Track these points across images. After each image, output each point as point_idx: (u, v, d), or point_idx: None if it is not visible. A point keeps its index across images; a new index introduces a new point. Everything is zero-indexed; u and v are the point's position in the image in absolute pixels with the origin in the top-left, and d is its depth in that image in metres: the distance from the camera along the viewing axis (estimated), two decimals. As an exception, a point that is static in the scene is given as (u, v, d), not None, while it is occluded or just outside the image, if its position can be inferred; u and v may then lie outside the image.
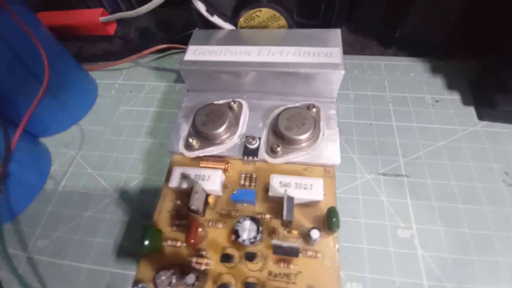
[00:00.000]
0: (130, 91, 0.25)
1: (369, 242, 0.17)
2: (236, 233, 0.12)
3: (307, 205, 0.14)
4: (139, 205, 0.19)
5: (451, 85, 0.23)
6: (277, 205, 0.15)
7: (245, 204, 0.15)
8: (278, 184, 0.14)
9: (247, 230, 0.12)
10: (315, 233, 0.12)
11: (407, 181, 0.19)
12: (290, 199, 0.13)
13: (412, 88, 0.23)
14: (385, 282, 0.15)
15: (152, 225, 0.15)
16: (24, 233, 0.19)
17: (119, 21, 0.29)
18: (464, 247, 0.16)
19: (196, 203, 0.13)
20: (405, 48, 0.26)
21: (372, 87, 0.23)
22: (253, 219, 0.12)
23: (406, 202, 0.18)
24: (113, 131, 0.23)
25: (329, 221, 0.13)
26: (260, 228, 0.12)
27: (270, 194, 0.14)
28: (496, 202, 0.17)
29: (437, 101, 0.22)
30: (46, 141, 0.23)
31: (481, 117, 0.21)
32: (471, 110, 0.21)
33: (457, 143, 0.20)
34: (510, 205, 0.17)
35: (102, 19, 0.25)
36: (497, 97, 0.20)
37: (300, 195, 0.14)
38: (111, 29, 0.28)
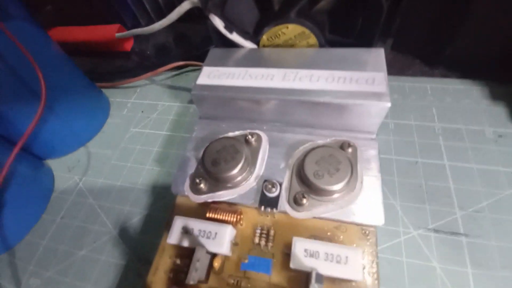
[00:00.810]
0: (142, 111, 0.24)
1: (418, 325, 0.13)
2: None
3: (340, 279, 0.11)
4: (138, 247, 0.17)
5: (517, 116, 0.19)
6: (299, 275, 0.11)
7: (257, 272, 0.12)
8: (303, 253, 0.11)
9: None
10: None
11: (467, 242, 0.15)
12: (319, 278, 0.10)
13: (468, 118, 0.19)
14: None
15: (145, 287, 0.12)
16: (18, 267, 0.18)
17: (136, 37, 0.28)
18: None
19: (195, 276, 0.10)
20: (456, 69, 0.22)
21: (417, 115, 0.20)
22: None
23: (466, 271, 0.14)
24: (120, 155, 0.21)
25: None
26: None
27: (291, 266, 0.11)
28: None
29: (500, 136, 0.18)
30: (51, 163, 0.22)
31: None
32: (548, 150, 0.17)
33: (532, 193, 0.16)
34: None
35: (118, 35, 0.24)
36: None
37: (331, 272, 0.10)
38: (128, 45, 0.27)
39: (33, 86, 0.17)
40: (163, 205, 0.18)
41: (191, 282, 0.10)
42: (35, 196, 0.19)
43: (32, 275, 0.17)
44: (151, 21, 0.27)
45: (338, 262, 0.10)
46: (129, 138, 0.22)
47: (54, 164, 0.22)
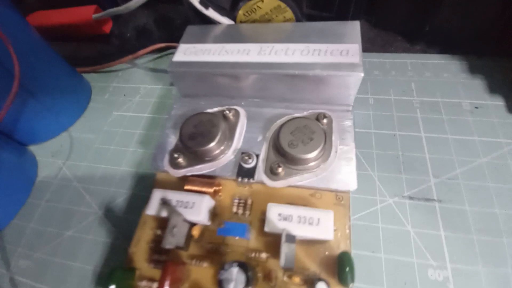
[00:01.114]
0: (124, 95, 0.23)
1: (392, 284, 0.13)
2: (219, 284, 0.10)
3: (314, 241, 0.12)
4: (123, 225, 0.17)
5: (493, 89, 0.19)
6: (276, 239, 0.12)
7: (237, 238, 0.12)
8: (277, 217, 0.11)
9: (233, 281, 0.10)
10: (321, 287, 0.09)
11: (440, 208, 0.15)
12: (291, 238, 0.10)
13: (446, 91, 0.19)
14: None
15: (127, 257, 0.12)
16: (7, 249, 0.18)
17: (115, 20, 0.27)
18: (512, 296, 0.13)
19: (173, 240, 0.10)
20: (436, 44, 0.22)
21: (396, 90, 0.20)
22: (242, 266, 0.10)
23: (439, 234, 0.15)
24: (103, 139, 0.21)
25: (340, 271, 0.10)
26: (250, 278, 0.10)
27: (266, 229, 0.11)
28: (556, 238, 0.14)
29: (476, 108, 0.18)
30: (34, 149, 0.22)
31: (534, 128, 0.17)
32: (520, 120, 0.17)
33: (502, 160, 0.16)
34: None
35: (95, 16, 0.23)
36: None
37: (303, 233, 0.11)
38: (107, 28, 0.26)
39: (10, 69, 0.16)
40: (147, 185, 0.18)
41: (167, 246, 0.10)
42: (19, 181, 0.19)
43: (21, 257, 0.17)
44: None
45: (310, 224, 0.11)
46: (111, 122, 0.22)
47: (36, 150, 0.22)
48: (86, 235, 0.17)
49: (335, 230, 0.11)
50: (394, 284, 0.13)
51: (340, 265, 0.10)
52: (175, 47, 0.25)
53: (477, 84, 0.19)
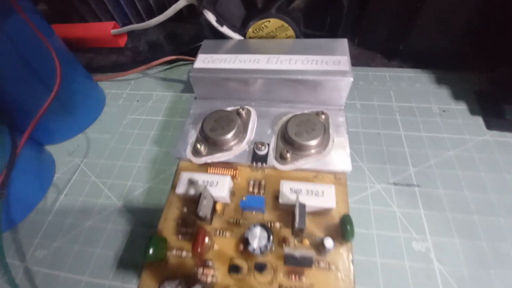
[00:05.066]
0: (138, 101, 0.26)
1: (383, 255, 0.16)
2: (245, 241, 0.12)
3: (319, 213, 0.14)
4: (142, 215, 0.18)
5: (457, 96, 0.23)
6: (287, 213, 0.14)
7: (253, 213, 0.14)
8: (289, 191, 0.13)
9: (258, 237, 0.12)
10: (329, 242, 0.12)
11: (419, 191, 0.18)
12: (302, 206, 0.12)
13: (419, 98, 0.23)
14: (402, 299, 0.15)
15: (156, 233, 0.14)
16: (23, 242, 0.18)
17: (129, 34, 0.29)
18: (482, 261, 0.15)
19: (204, 209, 0.12)
20: (409, 61, 0.26)
21: (378, 97, 0.24)
22: (264, 226, 0.12)
23: (419, 213, 0.17)
24: (119, 139, 0.23)
25: (343, 229, 0.12)
26: (271, 236, 0.12)
27: (280, 201, 0.13)
28: (513, 214, 0.17)
29: (444, 111, 0.22)
30: (51, 149, 0.23)
31: (489, 126, 0.21)
32: (479, 120, 0.21)
33: (467, 152, 0.20)
34: (529, 217, 0.17)
35: (113, 31, 0.26)
36: (505, 107, 0.20)
37: (311, 203, 0.13)
38: (122, 42, 0.29)
39: (41, 73, 0.18)
40: (164, 178, 0.20)
41: (200, 214, 0.12)
42: (36, 177, 0.20)
43: (38, 248, 0.18)
44: (141, 20, 0.29)
45: (316, 195, 0.13)
46: (126, 124, 0.24)
47: (52, 149, 0.23)
48: (106, 224, 0.18)
49: (336, 203, 0.14)
50: (385, 254, 0.16)
51: (343, 225, 0.12)
52: (184, 60, 0.28)
53: (444, 92, 0.23)
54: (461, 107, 0.22)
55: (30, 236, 0.19)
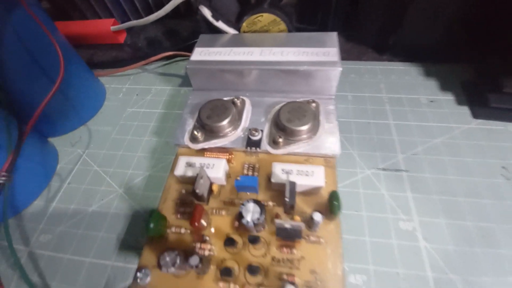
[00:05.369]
0: (137, 95, 0.26)
1: (372, 234, 0.17)
2: (239, 215, 0.13)
3: (309, 193, 0.15)
4: (143, 200, 0.19)
5: (444, 87, 0.24)
6: (279, 193, 0.15)
7: (248, 193, 0.15)
8: (280, 171, 0.14)
9: (251, 212, 0.12)
10: (317, 216, 0.12)
11: (407, 176, 0.19)
12: (293, 183, 0.13)
13: (407, 90, 0.24)
14: (389, 274, 0.15)
15: (157, 210, 0.15)
16: (27, 228, 0.19)
17: (129, 31, 0.30)
18: (467, 239, 0.16)
19: (201, 187, 0.13)
20: (399, 55, 0.27)
21: (369, 89, 0.24)
22: (257, 202, 0.13)
23: (407, 195, 0.18)
24: (119, 131, 0.24)
25: (331, 204, 0.13)
26: (264, 210, 0.13)
27: (272, 180, 0.14)
28: (496, 196, 0.18)
29: (431, 101, 0.23)
30: (54, 141, 0.24)
31: (475, 115, 0.22)
32: (465, 110, 0.22)
33: (453, 140, 0.20)
34: (511, 198, 0.17)
35: (113, 28, 0.27)
36: (491, 97, 0.21)
37: (302, 181, 0.14)
38: (121, 38, 0.30)
39: (45, 65, 0.19)
40: (163, 166, 0.21)
41: (197, 191, 0.13)
42: (41, 164, 0.21)
43: (43, 233, 0.19)
44: (140, 17, 0.30)
45: (306, 175, 0.14)
46: (126, 117, 0.25)
47: (56, 141, 0.24)
48: (108, 210, 0.19)
49: (326, 183, 0.15)
50: (374, 234, 0.17)
51: (330, 200, 0.13)
52: (182, 55, 0.29)
53: (432, 84, 0.24)
54: (448, 97, 0.23)
55: (34, 222, 0.19)
